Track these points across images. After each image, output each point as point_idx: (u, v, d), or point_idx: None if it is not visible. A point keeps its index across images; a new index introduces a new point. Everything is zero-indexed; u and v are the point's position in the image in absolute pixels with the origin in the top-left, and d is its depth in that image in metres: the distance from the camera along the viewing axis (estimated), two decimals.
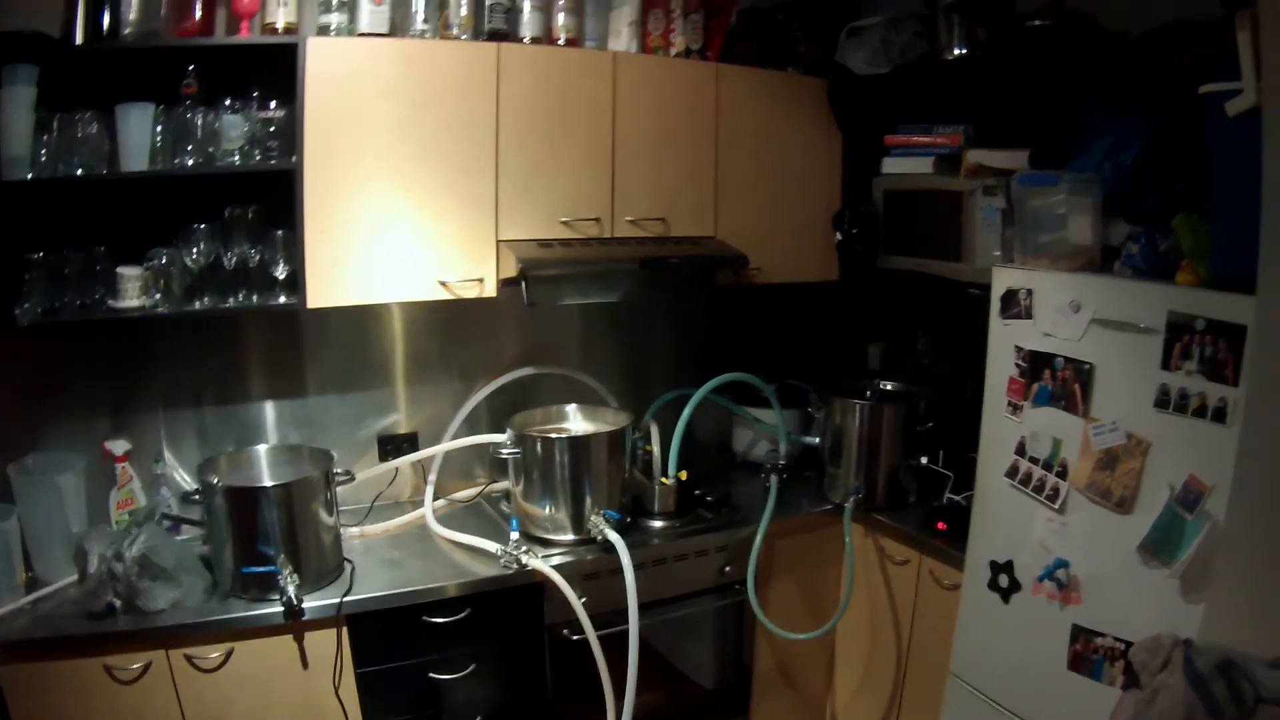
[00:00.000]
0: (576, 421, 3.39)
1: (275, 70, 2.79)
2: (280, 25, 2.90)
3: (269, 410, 3.26)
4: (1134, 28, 2.90)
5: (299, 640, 2.69)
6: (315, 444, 3.17)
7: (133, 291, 2.77)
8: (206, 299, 2.89)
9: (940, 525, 3.19)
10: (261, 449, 3.06)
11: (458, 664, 2.89)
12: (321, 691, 2.73)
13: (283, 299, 2.92)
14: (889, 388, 3.65)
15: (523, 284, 3.01)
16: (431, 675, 2.86)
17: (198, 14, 2.84)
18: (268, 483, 2.92)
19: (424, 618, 2.82)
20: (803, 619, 3.44)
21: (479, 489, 3.52)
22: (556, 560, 2.98)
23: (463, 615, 2.86)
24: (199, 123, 2.81)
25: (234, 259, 2.88)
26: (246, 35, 2.89)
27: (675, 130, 3.34)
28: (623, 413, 3.36)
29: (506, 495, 3.30)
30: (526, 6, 3.17)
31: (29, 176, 2.64)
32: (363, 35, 2.95)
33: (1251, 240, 2.11)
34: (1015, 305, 2.74)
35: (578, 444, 3.10)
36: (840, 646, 3.61)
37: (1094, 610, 2.55)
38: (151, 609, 2.56)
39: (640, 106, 3.26)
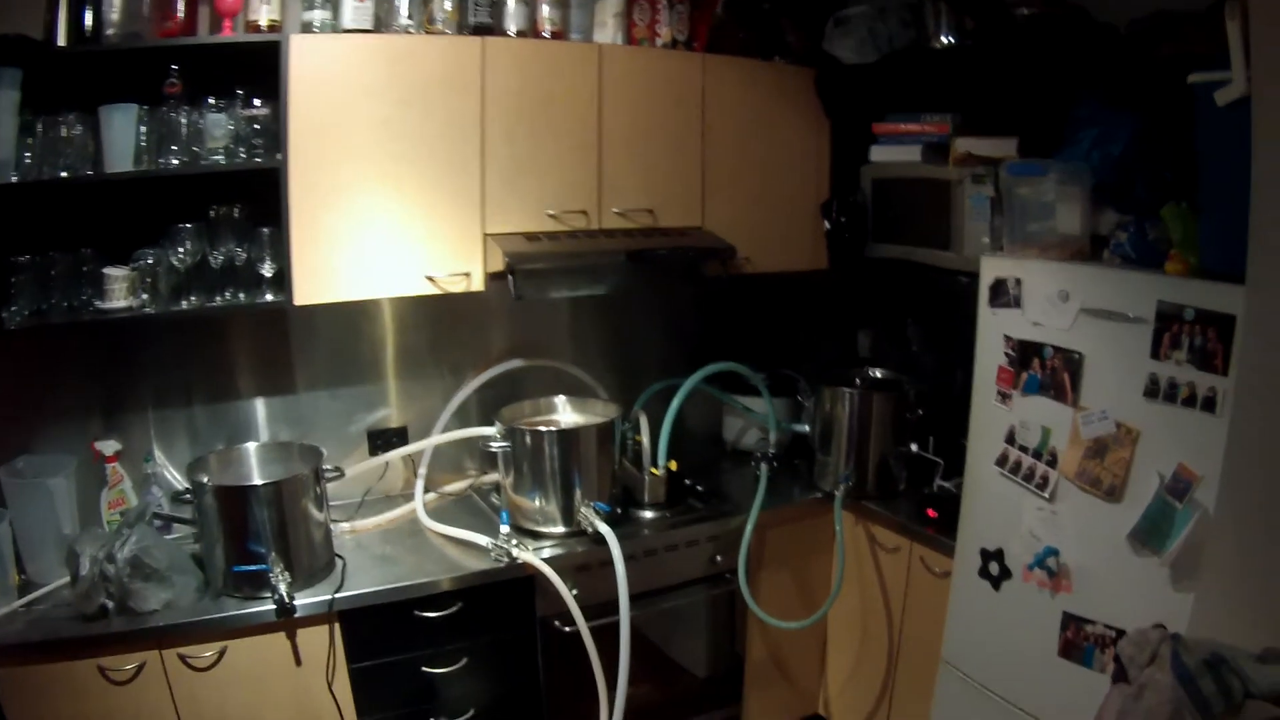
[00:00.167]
0: (566, 413, 3.39)
1: (259, 68, 2.77)
2: (263, 23, 2.88)
3: (259, 407, 3.26)
4: (1123, 17, 2.88)
5: (292, 637, 2.69)
6: (306, 440, 3.15)
7: (120, 292, 2.75)
8: (194, 298, 2.88)
9: (931, 513, 3.20)
10: (251, 446, 3.05)
11: (450, 658, 2.89)
12: (315, 688, 2.74)
13: (270, 297, 2.91)
14: (879, 375, 3.66)
15: (510, 278, 3.00)
16: (424, 670, 2.86)
17: (180, 13, 2.81)
18: (258, 481, 2.92)
19: (416, 613, 2.82)
20: (794, 607, 3.45)
21: (469, 482, 3.52)
22: (547, 553, 2.98)
23: (454, 609, 2.86)
24: (183, 122, 2.80)
25: (220, 258, 2.87)
26: (230, 34, 2.88)
27: (662, 121, 3.33)
28: (612, 404, 3.36)
29: (497, 487, 3.30)
30: (511, 0, 3.15)
31: (14, 180, 2.62)
32: (346, 31, 2.92)
33: (1240, 230, 2.12)
34: (1004, 294, 2.75)
35: (567, 436, 3.10)
36: (832, 634, 3.62)
37: (1084, 598, 2.56)
38: (144, 610, 2.56)
39: (627, 98, 3.25)
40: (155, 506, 2.93)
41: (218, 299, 2.90)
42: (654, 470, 3.29)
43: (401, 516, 3.26)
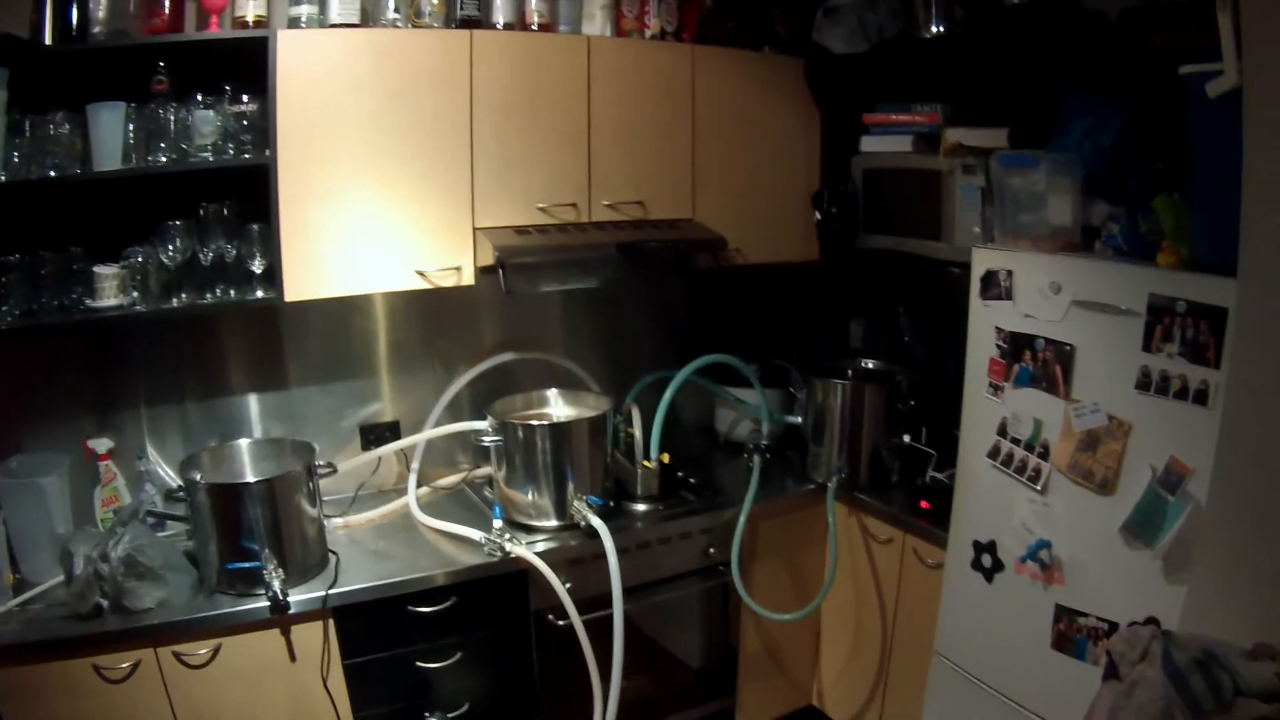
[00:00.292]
0: (558, 406, 3.38)
1: (247, 64, 2.77)
2: (250, 19, 2.88)
3: (251, 403, 3.25)
4: (1113, 6, 2.87)
5: (286, 634, 2.70)
6: (298, 436, 3.16)
7: (110, 290, 2.74)
8: (184, 296, 2.87)
9: (923, 504, 3.20)
10: (244, 443, 3.04)
11: (445, 652, 2.90)
12: (310, 684, 2.74)
13: (260, 293, 2.91)
14: (871, 366, 3.67)
15: (500, 272, 2.99)
16: (419, 665, 2.86)
17: (167, 10, 2.80)
18: (250, 478, 2.92)
19: (410, 608, 2.82)
20: (788, 599, 3.46)
21: (462, 476, 3.51)
22: (540, 547, 2.99)
23: (448, 604, 2.87)
24: (171, 119, 2.78)
25: (210, 255, 2.86)
26: (216, 30, 2.86)
27: (651, 113, 3.32)
28: (604, 397, 3.36)
29: (489, 481, 3.29)
30: None
31: (3, 180, 2.61)
32: (334, 26, 2.91)
33: (1232, 221, 2.11)
34: (995, 286, 2.74)
35: (559, 430, 3.10)
36: (825, 625, 3.62)
37: (1077, 590, 2.57)
38: (139, 608, 2.56)
39: (616, 90, 3.24)
40: (149, 504, 2.92)
41: (208, 296, 2.89)
42: (646, 463, 3.29)
43: (394, 511, 3.26)
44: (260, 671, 2.69)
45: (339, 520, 3.16)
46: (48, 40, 2.64)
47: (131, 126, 2.74)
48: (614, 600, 2.88)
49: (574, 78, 3.17)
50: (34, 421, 2.95)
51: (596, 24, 3.30)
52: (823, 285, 4.09)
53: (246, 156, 2.85)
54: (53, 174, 2.67)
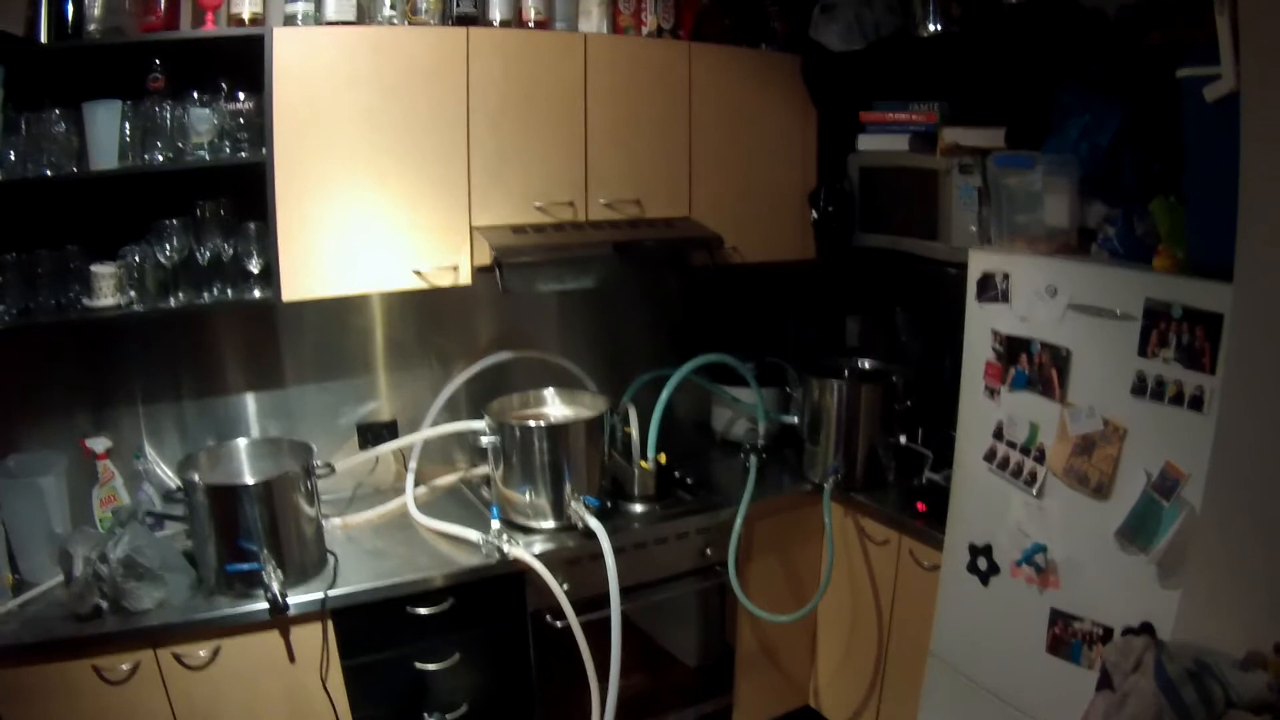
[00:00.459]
0: (555, 406, 3.38)
1: (243, 61, 2.76)
2: (246, 16, 2.86)
3: (248, 401, 3.26)
4: (1111, 4, 2.86)
5: (285, 635, 2.70)
6: (295, 434, 3.17)
7: (107, 290, 2.74)
8: (181, 295, 2.87)
9: (919, 506, 3.20)
10: (241, 443, 3.04)
11: (443, 653, 2.90)
12: (309, 684, 2.74)
13: (258, 293, 2.91)
14: (867, 366, 3.66)
15: (497, 272, 2.99)
16: (417, 665, 2.87)
17: (162, 7, 2.79)
18: (249, 479, 2.92)
19: (408, 608, 2.82)
20: (784, 599, 3.46)
21: (459, 474, 3.51)
22: (538, 548, 2.99)
23: (446, 605, 2.87)
24: (167, 117, 2.78)
25: (207, 254, 2.86)
26: (212, 28, 2.85)
27: (648, 110, 3.32)
28: (601, 396, 3.36)
29: (486, 480, 3.29)
30: None
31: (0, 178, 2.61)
32: (330, 24, 2.90)
33: (1228, 225, 2.11)
34: (992, 288, 2.75)
35: (556, 431, 3.09)
36: (822, 625, 3.63)
37: (1072, 594, 2.58)
38: (138, 609, 2.57)
39: (612, 88, 3.23)
40: (147, 505, 2.93)
41: (206, 296, 2.90)
42: (643, 463, 3.29)
43: (393, 511, 3.26)
44: (259, 672, 2.70)
45: (337, 520, 3.16)
46: (43, 38, 2.63)
47: (127, 124, 2.74)
48: (612, 603, 2.88)
49: (570, 75, 3.16)
50: (30, 420, 2.95)
51: (593, 21, 3.28)
52: (819, 283, 4.08)
53: (243, 155, 2.85)
54: (49, 173, 2.66)
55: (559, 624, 2.92)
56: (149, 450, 3.08)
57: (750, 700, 3.56)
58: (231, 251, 2.89)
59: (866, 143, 3.58)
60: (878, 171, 3.56)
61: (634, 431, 3.33)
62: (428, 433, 3.31)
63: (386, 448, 3.33)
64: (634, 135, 3.30)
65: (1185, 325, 2.26)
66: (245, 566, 2.66)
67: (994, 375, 2.76)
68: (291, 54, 2.76)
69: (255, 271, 2.90)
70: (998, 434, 2.76)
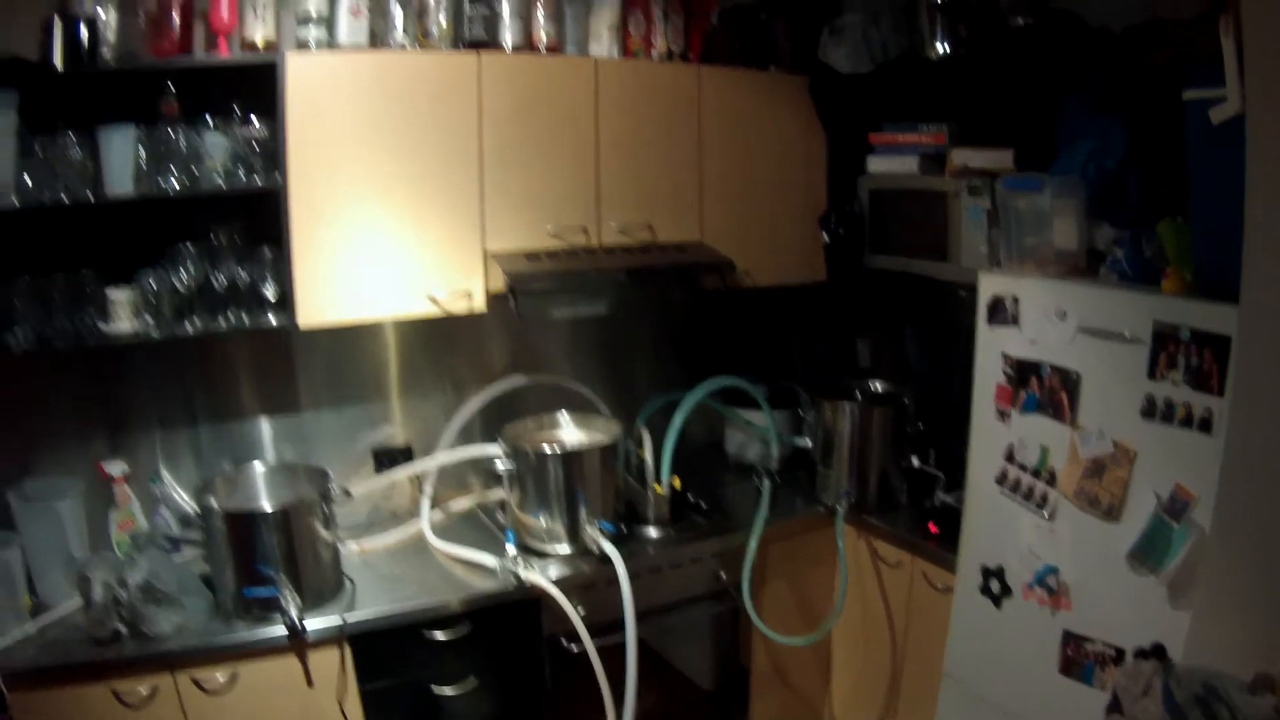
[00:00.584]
0: (569, 430, 3.39)
1: (256, 85, 2.78)
2: (259, 42, 2.90)
3: (263, 426, 3.28)
4: (1117, 21, 2.88)
5: (303, 659, 2.71)
6: (310, 458, 3.21)
7: (123, 315, 2.77)
8: (198, 320, 2.88)
9: (932, 528, 3.21)
10: (258, 468, 3.07)
11: (459, 677, 2.91)
12: (327, 709, 2.76)
13: (274, 319, 2.92)
14: (878, 388, 3.66)
15: (511, 298, 3.01)
16: (434, 689, 2.88)
17: (176, 33, 2.81)
18: (266, 504, 2.95)
19: (425, 633, 2.84)
20: (798, 621, 3.46)
21: (474, 499, 3.52)
22: (553, 573, 2.99)
23: (463, 630, 2.88)
24: (182, 142, 2.80)
25: (223, 280, 2.88)
26: (225, 54, 2.88)
27: (659, 134, 3.34)
28: (615, 421, 3.36)
29: (502, 504, 3.29)
30: (506, 14, 3.15)
31: (15, 203, 2.63)
32: (342, 49, 2.93)
33: (1234, 246, 2.12)
34: (1002, 312, 2.76)
35: (571, 457, 3.10)
36: (836, 647, 3.63)
37: (1084, 616, 2.58)
38: (156, 633, 2.58)
39: (623, 112, 3.26)
40: (164, 530, 2.95)
41: (221, 321, 2.91)
42: (658, 487, 3.30)
43: (408, 536, 3.27)
44: (277, 696, 2.71)
45: (353, 545, 3.17)
46: (57, 63, 2.65)
47: (142, 149, 2.76)
48: (627, 629, 2.89)
49: (582, 99, 3.18)
50: (47, 444, 2.97)
51: (603, 45, 3.31)
52: (830, 304, 4.08)
53: (257, 180, 2.88)
54: (65, 198, 2.68)
55: (574, 648, 2.92)
56: (165, 474, 3.09)
57: None
58: (247, 278, 2.90)
59: (876, 164, 3.58)
60: (887, 193, 3.56)
61: (648, 456, 3.34)
62: (443, 458, 3.32)
63: (402, 472, 3.33)
64: (645, 159, 3.32)
65: (1193, 347, 2.27)
66: (263, 592, 2.68)
67: (1005, 398, 2.77)
68: (305, 80, 2.79)
69: (271, 298, 2.91)
70: (1009, 457, 2.77)
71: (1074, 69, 2.94)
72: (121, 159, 2.73)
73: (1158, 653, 2.35)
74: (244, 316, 2.94)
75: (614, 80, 3.23)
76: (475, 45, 3.11)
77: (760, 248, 3.56)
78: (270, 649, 2.67)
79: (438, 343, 3.49)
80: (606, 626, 2.94)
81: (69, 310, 2.76)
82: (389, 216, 2.95)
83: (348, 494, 2.97)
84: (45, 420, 2.96)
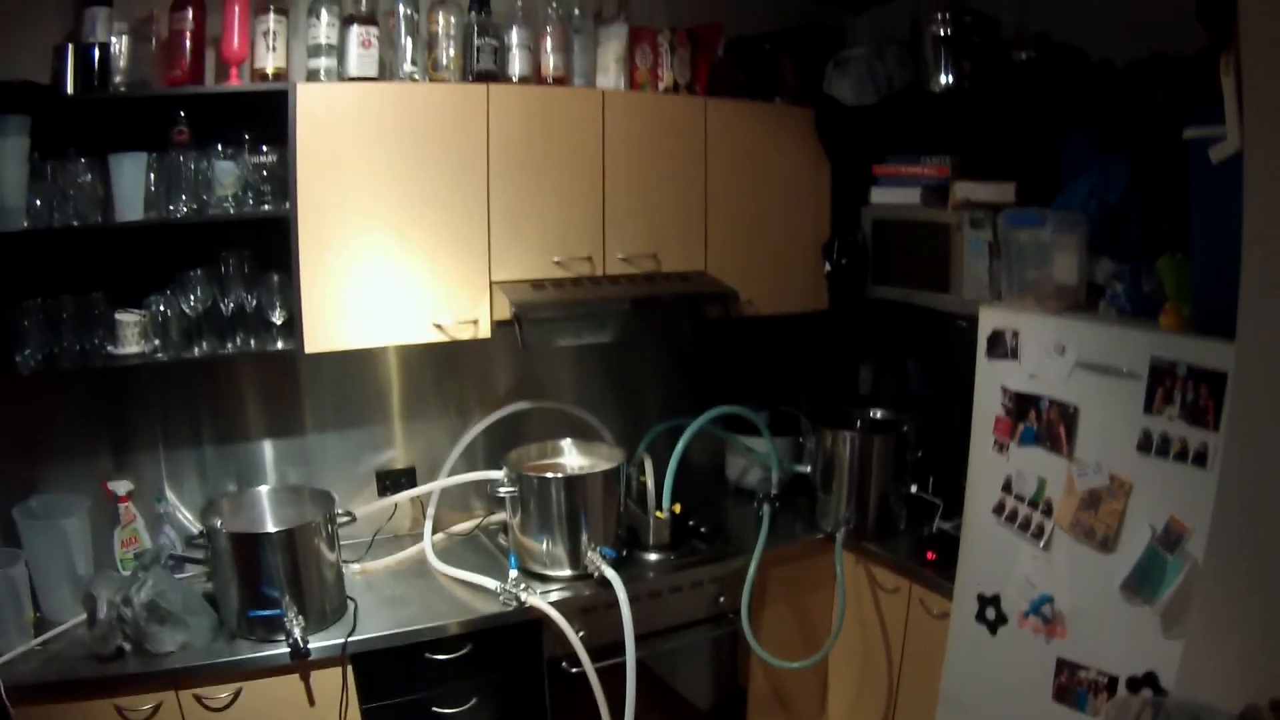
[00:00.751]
0: (572, 456, 3.42)
1: (266, 114, 2.82)
2: (269, 71, 2.94)
3: (267, 448, 3.30)
4: (1119, 57, 2.93)
5: (305, 679, 2.74)
6: (314, 480, 3.24)
7: (131, 337, 2.80)
8: (205, 344, 2.92)
9: (929, 555, 3.23)
10: (263, 490, 3.10)
11: (460, 698, 2.93)
12: None
13: (280, 344, 2.96)
14: (878, 415, 3.68)
15: (517, 327, 3.03)
16: (435, 710, 2.90)
17: (187, 61, 2.85)
18: (271, 526, 2.98)
19: (426, 655, 2.86)
20: (796, 645, 3.48)
21: (476, 522, 3.55)
22: (554, 596, 3.02)
23: (464, 651, 2.90)
24: (192, 169, 2.84)
25: (231, 305, 2.92)
26: (236, 83, 2.92)
27: (665, 165, 3.37)
28: (617, 449, 3.38)
29: (504, 527, 3.32)
30: (514, 45, 3.20)
31: (25, 226, 2.66)
32: (352, 79, 2.97)
33: (1233, 283, 2.15)
34: (1001, 346, 2.80)
35: (574, 483, 3.13)
36: (833, 670, 3.65)
37: (1078, 644, 2.61)
38: (160, 651, 2.61)
39: (630, 143, 3.29)
40: (169, 549, 2.98)
41: (229, 345, 2.95)
42: (659, 513, 3.32)
43: (411, 557, 3.30)
44: (279, 714, 2.73)
45: (356, 566, 3.20)
46: (69, 88, 2.70)
47: (153, 175, 2.79)
48: (627, 655, 2.91)
49: (589, 131, 3.22)
50: (52, 461, 3.00)
51: (610, 77, 3.35)
52: (831, 332, 4.12)
53: (266, 207, 2.91)
54: (75, 223, 2.72)
55: (574, 670, 2.94)
56: (169, 494, 3.12)
57: None
58: (254, 302, 2.94)
59: (879, 195, 3.62)
60: (890, 224, 3.60)
61: (649, 481, 3.36)
62: (446, 481, 3.34)
63: (405, 495, 3.37)
64: (651, 189, 3.35)
65: (1190, 383, 2.31)
66: (267, 613, 2.70)
67: (1003, 430, 2.80)
68: (315, 110, 2.83)
69: (278, 322, 2.95)
70: (1006, 487, 2.80)
71: (1077, 105, 2.99)
72: (132, 184, 2.76)
73: (1150, 681, 2.40)
74: (251, 340, 2.98)
75: (621, 112, 3.27)
76: (483, 77, 3.15)
77: (763, 276, 3.59)
78: (273, 668, 2.69)
79: (442, 367, 3.51)
80: (606, 649, 2.96)
81: (77, 332, 2.79)
82: (396, 244, 2.98)
83: (352, 517, 2.99)
84: (51, 438, 2.99)
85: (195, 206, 2.86)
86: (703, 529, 3.47)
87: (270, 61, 2.94)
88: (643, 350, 3.91)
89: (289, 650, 2.63)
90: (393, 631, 2.82)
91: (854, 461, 3.46)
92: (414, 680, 2.87)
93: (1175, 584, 2.33)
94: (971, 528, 2.94)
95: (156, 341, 2.86)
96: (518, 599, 2.95)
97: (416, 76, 3.09)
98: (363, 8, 3.01)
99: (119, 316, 2.79)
